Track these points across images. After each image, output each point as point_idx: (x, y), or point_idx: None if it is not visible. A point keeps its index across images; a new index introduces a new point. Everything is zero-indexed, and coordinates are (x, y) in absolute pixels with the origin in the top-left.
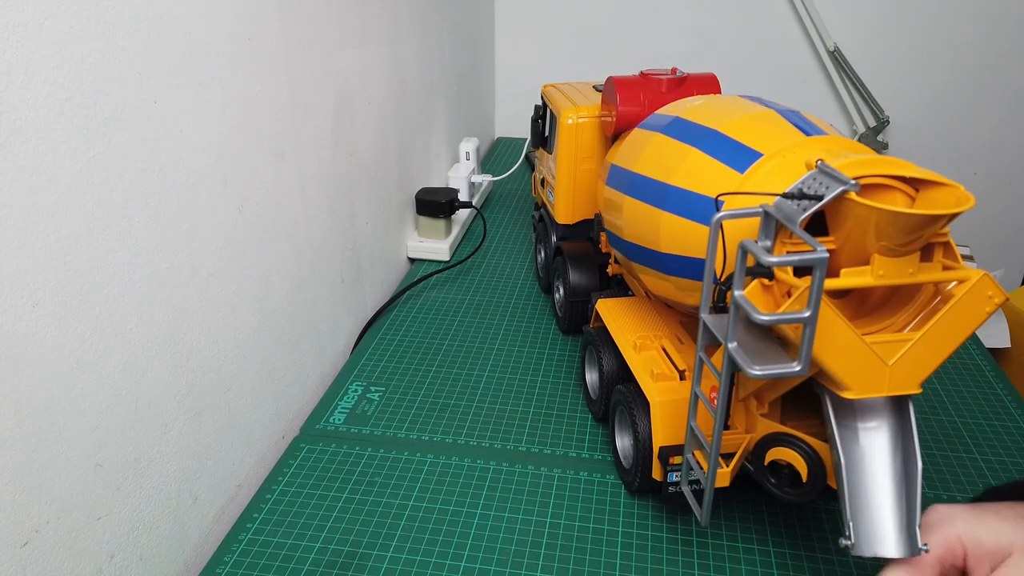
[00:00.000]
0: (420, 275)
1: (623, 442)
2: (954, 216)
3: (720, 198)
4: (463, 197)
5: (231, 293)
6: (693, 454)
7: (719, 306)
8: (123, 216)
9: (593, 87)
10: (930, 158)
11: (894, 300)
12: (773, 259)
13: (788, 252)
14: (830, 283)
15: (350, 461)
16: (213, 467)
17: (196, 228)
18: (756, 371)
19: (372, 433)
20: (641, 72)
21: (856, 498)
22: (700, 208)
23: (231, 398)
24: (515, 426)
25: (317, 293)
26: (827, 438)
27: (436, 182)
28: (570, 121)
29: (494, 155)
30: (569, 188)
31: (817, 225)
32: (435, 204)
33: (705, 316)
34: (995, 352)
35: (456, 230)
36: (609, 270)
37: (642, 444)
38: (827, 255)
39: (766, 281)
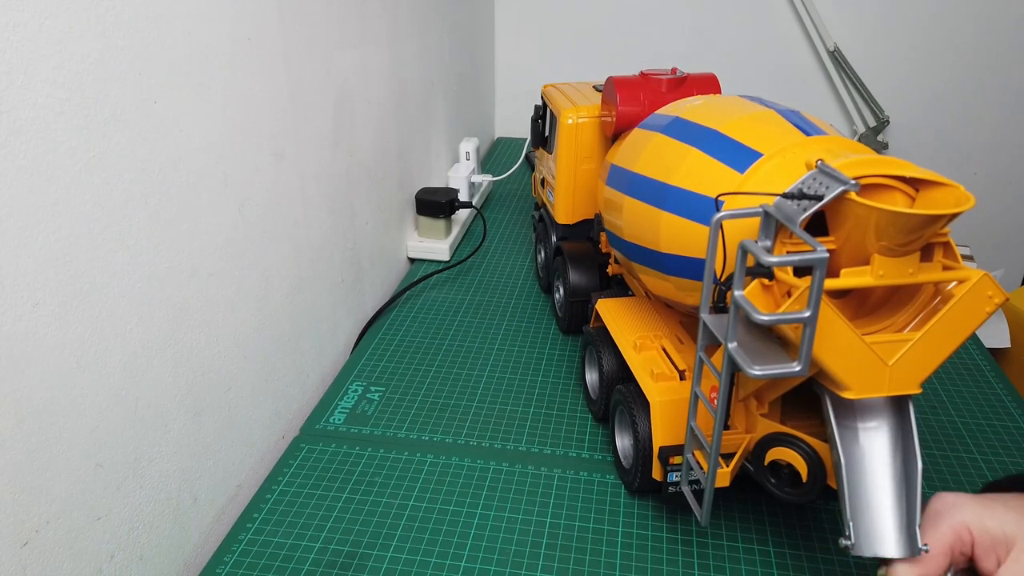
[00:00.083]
0: (420, 275)
1: (623, 442)
2: (954, 216)
3: (720, 198)
4: (463, 197)
5: (231, 293)
6: (693, 454)
7: (719, 306)
8: (123, 216)
9: (593, 87)
10: (930, 158)
11: (894, 300)
12: (773, 259)
13: (788, 252)
14: (830, 283)
15: (350, 461)
16: (213, 467)
17: (196, 228)
18: (756, 371)
19: (372, 433)
20: (641, 72)
21: (856, 498)
22: (700, 208)
23: (231, 398)
24: (515, 426)
25: (317, 293)
26: (827, 438)
27: (436, 182)
28: (570, 121)
29: (494, 155)
30: (569, 188)
31: (817, 225)
32: (435, 204)
33: (705, 316)
34: (995, 352)
35: (456, 230)
36: (609, 270)
37: (642, 444)
38: (827, 255)
39: (766, 281)
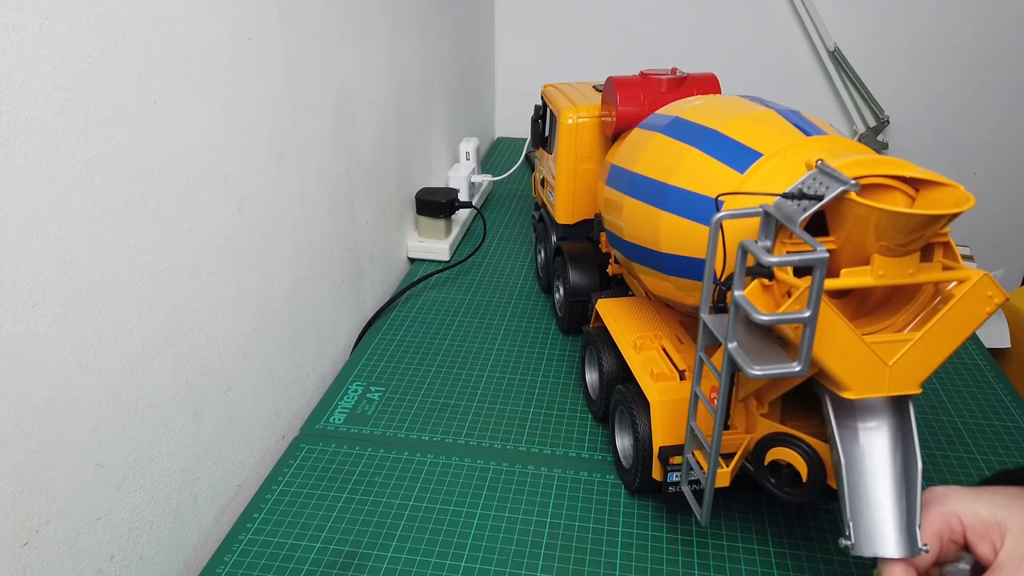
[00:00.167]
0: (420, 275)
1: (623, 442)
2: (954, 216)
3: (720, 198)
4: (463, 197)
5: (231, 293)
6: (693, 454)
7: (719, 306)
8: (123, 216)
9: (593, 87)
10: (930, 158)
11: (894, 300)
12: (773, 259)
13: (788, 252)
14: (830, 283)
15: (350, 461)
16: (213, 467)
17: (196, 228)
18: (756, 371)
19: (372, 433)
20: (641, 72)
21: (856, 498)
22: (700, 208)
23: (231, 398)
24: (515, 426)
25: (317, 293)
26: (827, 438)
27: (436, 182)
28: (570, 121)
29: (494, 155)
30: (569, 188)
31: (817, 225)
32: (435, 204)
33: (705, 316)
34: (995, 352)
35: (456, 230)
36: (609, 270)
37: (642, 444)
38: (827, 255)
39: (766, 281)
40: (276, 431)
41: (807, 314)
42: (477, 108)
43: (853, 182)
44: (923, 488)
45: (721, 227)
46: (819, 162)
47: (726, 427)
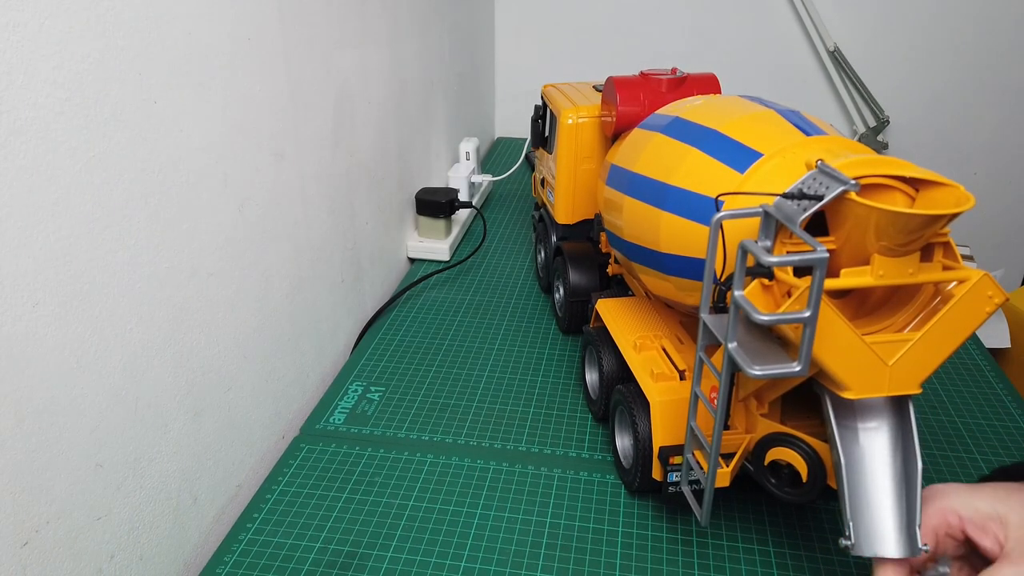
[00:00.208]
0: (420, 275)
1: (623, 442)
2: (954, 216)
3: (720, 198)
4: (463, 197)
5: (231, 293)
6: (693, 454)
7: (719, 306)
8: (123, 216)
9: (593, 87)
10: (930, 158)
11: (894, 300)
12: (773, 259)
13: (788, 252)
14: (830, 283)
15: (350, 461)
16: (213, 467)
17: (196, 228)
18: (756, 371)
19: (372, 433)
20: (641, 72)
21: (856, 498)
22: (700, 208)
23: (231, 398)
24: (515, 426)
25: (317, 293)
26: (827, 438)
27: (436, 182)
28: (570, 121)
29: (494, 155)
30: (569, 188)
31: (817, 225)
32: (435, 204)
33: (705, 316)
34: (995, 352)
35: (456, 230)
36: (609, 270)
37: (642, 444)
38: (827, 255)
39: (766, 281)
40: (276, 431)
41: (807, 314)
42: (477, 108)
43: (853, 182)
44: (923, 488)
45: (721, 227)
46: (819, 162)
47: (726, 427)
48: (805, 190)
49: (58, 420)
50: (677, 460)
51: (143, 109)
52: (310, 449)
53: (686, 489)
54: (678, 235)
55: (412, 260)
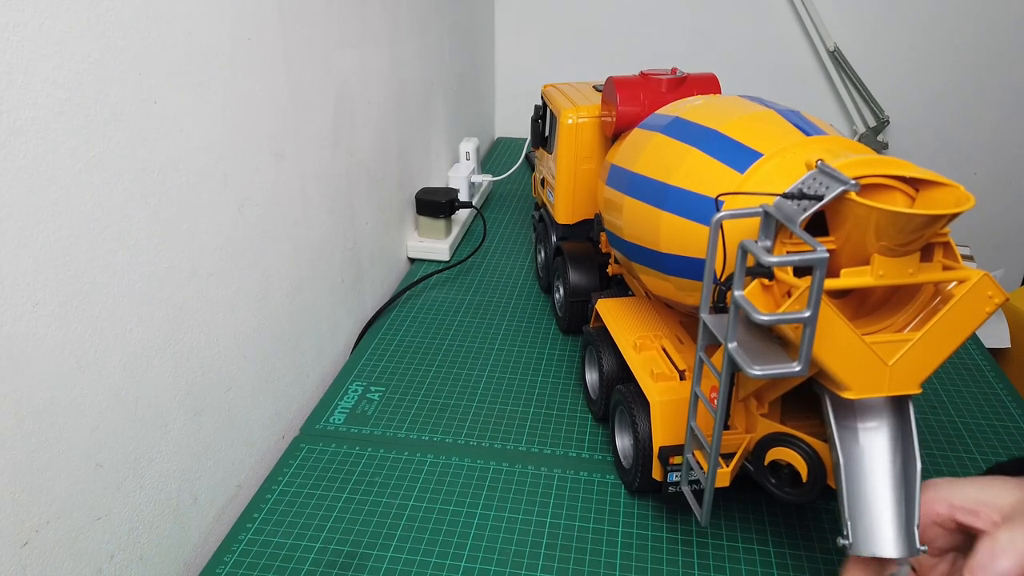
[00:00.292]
0: (420, 275)
1: (623, 442)
2: (954, 216)
3: (720, 198)
4: (463, 197)
5: (231, 293)
6: (693, 454)
7: (719, 306)
8: (123, 216)
9: (593, 87)
10: (930, 158)
11: (894, 300)
12: (773, 259)
13: (788, 252)
14: (830, 283)
15: (350, 461)
16: (213, 467)
17: (196, 228)
18: (756, 371)
19: (372, 433)
20: (641, 72)
21: (855, 498)
22: (700, 208)
23: (231, 398)
24: (515, 426)
25: (317, 293)
26: (827, 438)
27: (436, 182)
28: (570, 121)
29: (494, 155)
30: (569, 188)
31: (817, 225)
32: (435, 204)
33: (705, 316)
34: (995, 352)
35: (456, 230)
36: (609, 270)
37: (642, 444)
38: (827, 255)
39: (766, 281)
40: (276, 431)
41: (807, 314)
42: (477, 108)
43: (853, 182)
44: None
45: (721, 227)
46: (819, 162)
47: (726, 427)
48: (805, 190)
49: (58, 420)
50: (677, 460)
51: (143, 109)
52: (310, 449)
53: (686, 489)
54: (678, 235)
55: (412, 260)
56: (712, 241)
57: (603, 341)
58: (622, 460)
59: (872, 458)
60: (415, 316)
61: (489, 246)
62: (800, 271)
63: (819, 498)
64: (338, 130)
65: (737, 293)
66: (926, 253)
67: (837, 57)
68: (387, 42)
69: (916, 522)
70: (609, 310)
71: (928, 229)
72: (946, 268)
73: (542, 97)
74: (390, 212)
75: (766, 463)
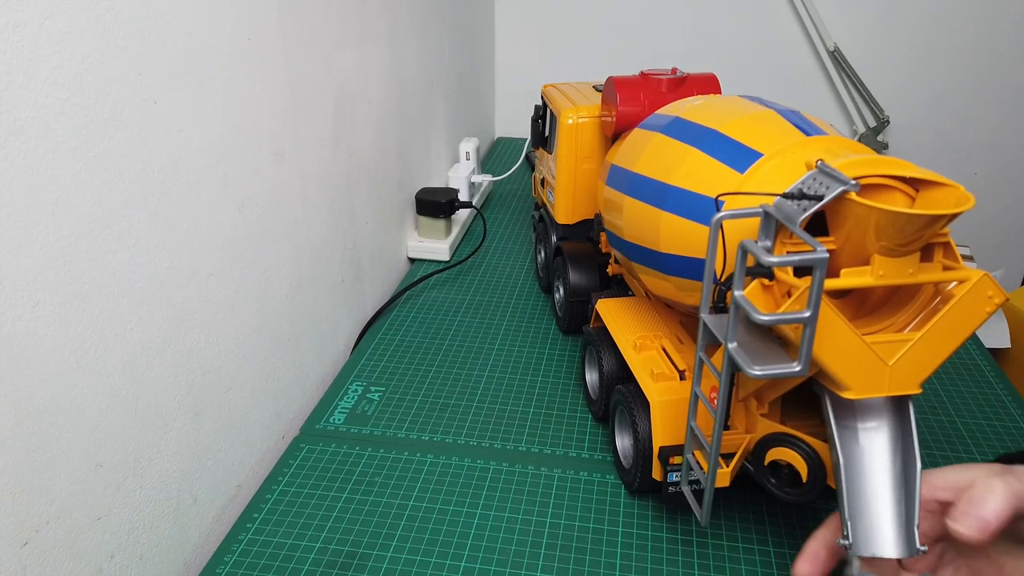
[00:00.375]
0: (420, 275)
1: (623, 442)
2: (954, 216)
3: (720, 198)
4: (463, 197)
5: (231, 293)
6: (693, 454)
7: (719, 306)
8: (123, 216)
9: (593, 87)
10: (930, 158)
11: (894, 300)
12: (773, 259)
13: (788, 252)
14: (830, 283)
15: (350, 461)
16: (213, 467)
17: (196, 228)
18: (756, 371)
19: (372, 433)
20: (641, 72)
21: (855, 498)
22: (700, 208)
23: (231, 398)
24: (515, 426)
25: (317, 293)
26: (827, 438)
27: (436, 182)
28: (570, 121)
29: (494, 155)
30: (569, 188)
31: (817, 225)
32: (435, 204)
33: (705, 316)
34: (995, 352)
35: (456, 230)
36: (609, 270)
37: (642, 444)
38: (827, 255)
39: (766, 281)
40: (276, 431)
41: (807, 314)
42: (477, 108)
43: (853, 182)
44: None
45: (721, 227)
46: (819, 162)
47: (726, 427)
48: (805, 190)
49: (58, 420)
50: (677, 460)
51: (143, 109)
52: (310, 449)
53: (686, 489)
54: (678, 235)
55: (412, 260)
56: (712, 241)
57: (603, 341)
58: (622, 460)
59: (872, 458)
60: (415, 316)
61: (489, 246)
62: (800, 271)
63: (819, 498)
64: (338, 130)
65: (737, 293)
66: (926, 253)
67: (837, 57)
68: (387, 42)
69: (916, 522)
70: (609, 310)
71: (928, 229)
72: (946, 268)
73: (542, 97)
74: (390, 212)
75: (766, 463)
